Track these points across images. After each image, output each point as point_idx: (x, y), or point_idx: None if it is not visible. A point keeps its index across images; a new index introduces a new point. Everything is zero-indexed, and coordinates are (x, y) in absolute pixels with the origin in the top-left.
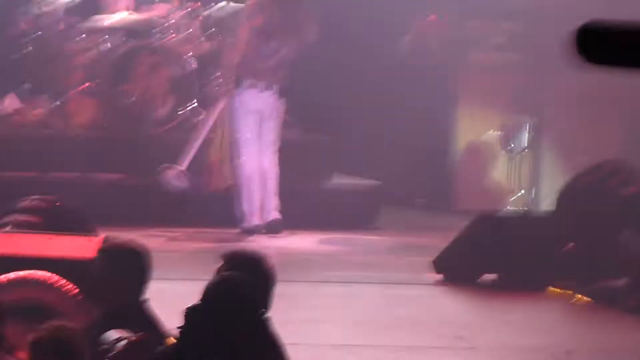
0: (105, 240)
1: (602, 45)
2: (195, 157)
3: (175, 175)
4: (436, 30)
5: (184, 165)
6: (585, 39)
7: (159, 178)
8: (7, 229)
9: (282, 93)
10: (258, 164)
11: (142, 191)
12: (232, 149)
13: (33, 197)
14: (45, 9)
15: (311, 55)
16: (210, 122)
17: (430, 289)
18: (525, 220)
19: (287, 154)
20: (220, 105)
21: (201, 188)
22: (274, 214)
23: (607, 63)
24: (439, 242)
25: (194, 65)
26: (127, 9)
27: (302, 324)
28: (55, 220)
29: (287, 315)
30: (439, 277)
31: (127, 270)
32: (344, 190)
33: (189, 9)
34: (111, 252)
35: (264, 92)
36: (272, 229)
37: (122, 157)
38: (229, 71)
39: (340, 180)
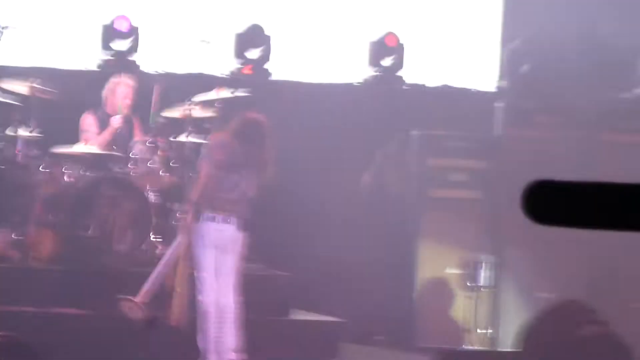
0: None
1: (550, 205)
2: (155, 290)
3: (130, 307)
4: (395, 166)
5: (139, 297)
6: (534, 198)
7: (115, 310)
8: None
9: (242, 226)
10: (215, 299)
11: (101, 325)
12: (192, 284)
13: None
14: (3, 141)
15: (271, 190)
16: (168, 256)
17: None
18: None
19: (246, 289)
20: (179, 239)
21: (162, 321)
22: (231, 355)
23: (556, 223)
24: None
25: (153, 198)
26: (86, 142)
27: None
28: (11, 357)
29: None
30: None
31: None
32: (302, 326)
33: (150, 142)
34: None
35: (223, 225)
36: None
37: (81, 290)
38: (189, 205)
39: (298, 317)
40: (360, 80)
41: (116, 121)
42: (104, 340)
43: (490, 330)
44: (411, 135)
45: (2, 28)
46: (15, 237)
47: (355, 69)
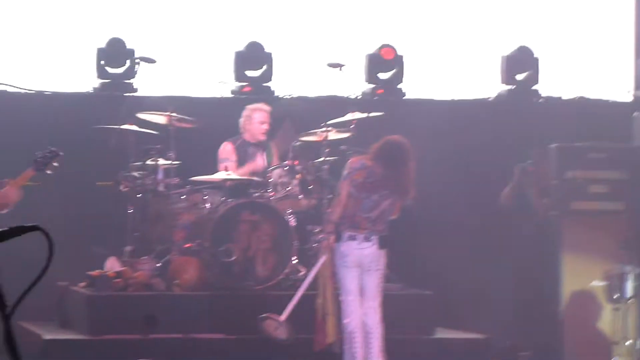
0: None
1: None
2: (297, 311)
3: (273, 326)
4: (535, 179)
5: (283, 317)
6: None
7: (259, 327)
8: None
9: (383, 244)
10: (360, 320)
11: (244, 349)
12: (338, 307)
13: None
14: (144, 170)
15: (410, 209)
16: (311, 278)
17: None
18: None
19: (389, 308)
20: (321, 260)
21: (307, 343)
22: None
23: None
24: None
25: (293, 222)
26: (226, 169)
27: None
28: None
29: None
30: None
31: None
32: (449, 344)
33: (287, 167)
34: None
35: (363, 243)
36: None
37: (224, 315)
38: (330, 226)
39: (444, 335)
40: (495, 95)
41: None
42: None
43: (638, 342)
44: (549, 148)
45: (138, 60)
46: (159, 265)
47: (488, 84)
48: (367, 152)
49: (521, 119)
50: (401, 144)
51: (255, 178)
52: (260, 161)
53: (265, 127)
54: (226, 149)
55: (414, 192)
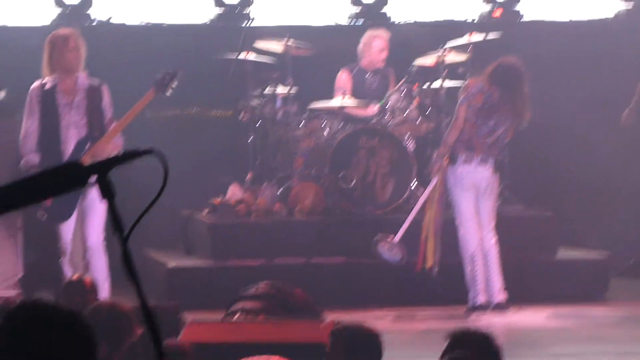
0: (336, 323)
1: None
2: (411, 233)
3: (387, 248)
4: None
5: (396, 238)
6: None
7: (373, 250)
8: (237, 316)
9: (498, 167)
10: (479, 242)
11: (365, 273)
12: (440, 230)
13: (260, 284)
14: (263, 99)
15: (526, 131)
16: (423, 200)
17: None
18: None
19: (509, 230)
20: (433, 182)
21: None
22: (500, 295)
23: None
24: None
25: (411, 146)
26: (343, 94)
27: None
28: (283, 306)
29: None
30: None
31: (361, 353)
32: (571, 263)
33: (405, 90)
34: (345, 336)
35: (479, 167)
36: (499, 308)
37: (345, 240)
38: (444, 149)
39: (566, 253)
40: (613, 15)
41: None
42: (366, 287)
43: None
44: None
45: None
46: (280, 192)
47: (606, 4)
48: (482, 74)
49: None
50: (516, 66)
51: (373, 102)
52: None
53: (384, 54)
54: (343, 77)
55: (529, 115)
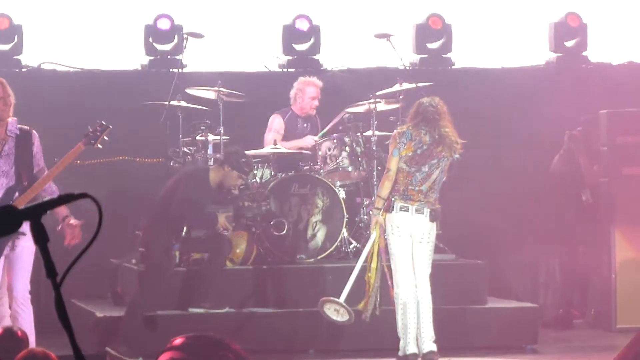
0: None
1: None
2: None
3: (334, 309)
4: (585, 146)
5: (341, 298)
6: None
7: (320, 311)
8: None
9: (433, 217)
10: (413, 291)
11: (295, 322)
12: (387, 277)
13: (189, 334)
14: (194, 146)
15: (459, 179)
16: (366, 252)
17: None
18: None
19: (442, 279)
20: (373, 237)
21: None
22: (429, 345)
23: None
24: None
25: (342, 194)
26: (276, 139)
27: None
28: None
29: None
30: None
31: None
32: (500, 313)
33: (336, 140)
34: None
35: (416, 215)
36: (428, 359)
37: (277, 290)
38: (380, 202)
39: (496, 304)
40: (544, 63)
41: (309, 141)
42: (301, 335)
43: None
44: (599, 114)
45: (186, 36)
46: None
47: (537, 52)
48: (406, 121)
49: (571, 86)
50: (434, 102)
51: (304, 151)
52: (309, 138)
53: (316, 102)
54: (276, 122)
55: (460, 145)
